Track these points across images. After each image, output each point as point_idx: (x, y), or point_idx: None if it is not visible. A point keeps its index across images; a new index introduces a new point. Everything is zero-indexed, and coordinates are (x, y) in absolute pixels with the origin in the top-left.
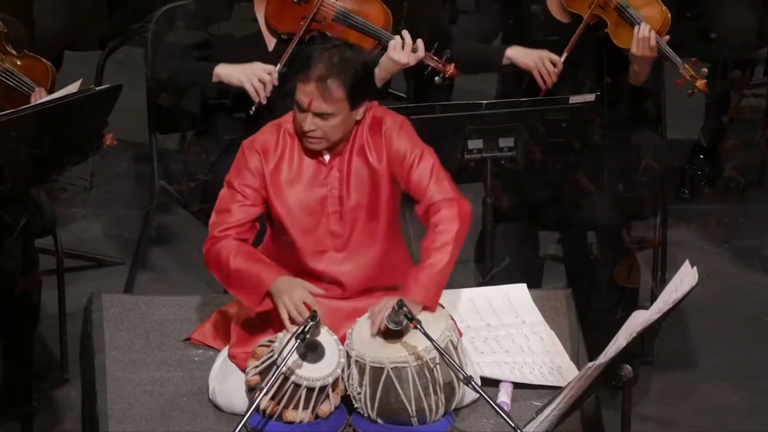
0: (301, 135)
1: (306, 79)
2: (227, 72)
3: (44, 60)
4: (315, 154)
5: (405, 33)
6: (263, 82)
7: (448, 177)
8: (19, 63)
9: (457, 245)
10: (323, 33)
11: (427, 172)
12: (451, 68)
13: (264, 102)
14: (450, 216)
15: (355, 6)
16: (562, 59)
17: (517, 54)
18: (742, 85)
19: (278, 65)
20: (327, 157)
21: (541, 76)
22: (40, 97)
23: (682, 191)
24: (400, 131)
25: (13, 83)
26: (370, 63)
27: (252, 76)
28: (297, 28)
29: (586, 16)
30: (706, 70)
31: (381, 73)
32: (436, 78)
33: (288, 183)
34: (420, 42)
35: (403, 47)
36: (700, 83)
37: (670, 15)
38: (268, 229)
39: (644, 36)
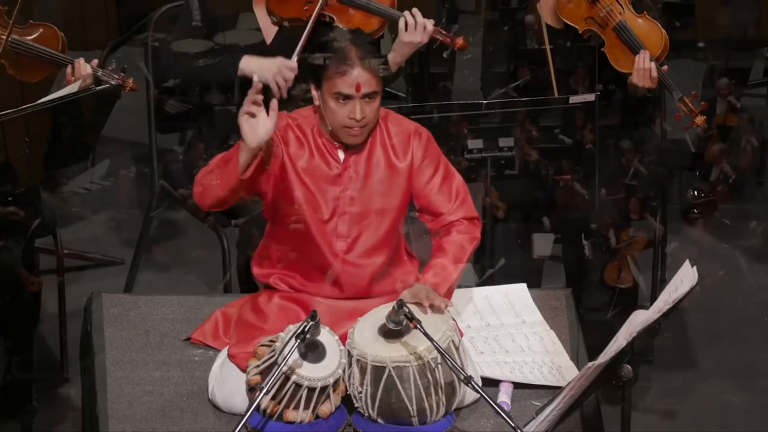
0: (342, 129)
1: (348, 66)
2: (253, 67)
3: (52, 25)
4: (332, 151)
5: (415, 11)
6: (286, 80)
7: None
8: (27, 33)
9: (469, 256)
10: (329, 17)
11: (453, 190)
12: (460, 41)
13: (285, 97)
14: (471, 229)
15: None
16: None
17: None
18: (728, 92)
19: (295, 54)
20: (342, 156)
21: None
22: (81, 67)
23: (683, 191)
24: (428, 144)
25: (28, 53)
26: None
27: (278, 75)
28: (301, 13)
29: (581, 30)
30: (705, 104)
31: (397, 57)
32: (444, 52)
33: (302, 179)
34: (428, 21)
35: (415, 27)
36: (699, 119)
37: (668, 40)
38: (268, 226)
39: (645, 67)
